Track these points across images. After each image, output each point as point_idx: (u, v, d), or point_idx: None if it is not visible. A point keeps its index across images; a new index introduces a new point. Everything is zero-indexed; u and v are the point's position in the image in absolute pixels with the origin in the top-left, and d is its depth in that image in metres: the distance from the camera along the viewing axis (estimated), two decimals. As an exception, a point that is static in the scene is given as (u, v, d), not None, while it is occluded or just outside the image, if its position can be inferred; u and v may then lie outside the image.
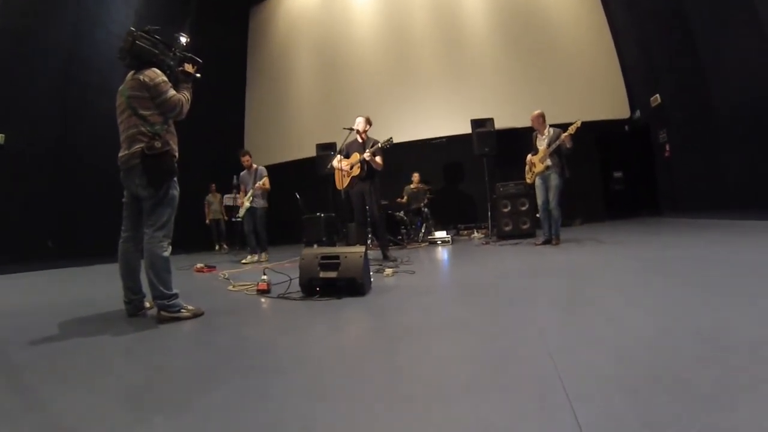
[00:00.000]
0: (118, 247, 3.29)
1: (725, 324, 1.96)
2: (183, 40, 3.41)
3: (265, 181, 7.70)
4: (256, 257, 7.79)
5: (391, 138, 6.15)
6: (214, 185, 12.49)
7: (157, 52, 3.18)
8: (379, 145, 6.06)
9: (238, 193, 8.34)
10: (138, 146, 3.07)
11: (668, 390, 1.33)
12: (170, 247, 3.18)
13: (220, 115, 13.97)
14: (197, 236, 12.04)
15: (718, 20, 7.65)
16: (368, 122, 6.35)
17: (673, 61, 9.52)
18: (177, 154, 3.26)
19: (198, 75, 3.44)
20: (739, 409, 1.17)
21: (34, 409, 1.63)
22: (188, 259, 8.61)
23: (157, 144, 3.08)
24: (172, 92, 3.17)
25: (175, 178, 3.23)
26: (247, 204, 7.79)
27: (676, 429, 1.09)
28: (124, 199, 3.32)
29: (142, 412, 1.53)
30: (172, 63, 3.28)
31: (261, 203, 7.82)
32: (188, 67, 3.36)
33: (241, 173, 8.11)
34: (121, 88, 3.23)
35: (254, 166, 8.01)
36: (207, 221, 12.73)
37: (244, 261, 7.73)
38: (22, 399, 1.74)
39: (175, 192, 3.25)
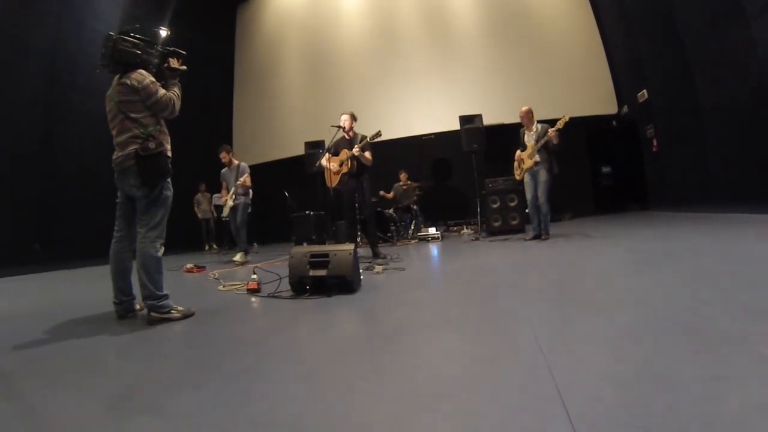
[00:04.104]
0: (111, 247, 3.26)
1: (713, 316, 1.98)
2: (163, 33, 3.38)
3: (246, 179, 7.52)
4: (245, 255, 7.64)
5: (379, 131, 6.11)
6: (203, 185, 12.42)
7: (139, 52, 3.13)
8: (368, 138, 6.03)
9: (219, 193, 8.02)
10: (132, 148, 3.05)
11: (658, 382, 1.34)
12: (163, 247, 3.17)
13: (209, 115, 13.86)
14: (187, 236, 11.96)
15: (705, 16, 7.70)
16: (353, 118, 6.31)
17: (660, 57, 9.58)
18: (170, 154, 3.24)
19: (184, 68, 3.40)
20: (728, 399, 1.18)
21: (22, 413, 1.61)
22: (178, 259, 8.55)
23: (151, 145, 3.06)
24: (161, 92, 3.14)
25: (169, 179, 3.22)
26: (230, 203, 7.61)
27: (666, 420, 1.10)
28: (117, 200, 3.29)
29: (131, 413, 1.51)
30: (156, 61, 3.25)
31: (242, 200, 7.61)
32: (173, 62, 3.32)
33: (222, 171, 7.88)
34: (109, 92, 3.19)
35: (235, 162, 7.79)
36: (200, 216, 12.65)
37: (234, 259, 7.54)
38: (11, 403, 1.72)
39: (169, 193, 3.23)
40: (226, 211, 7.76)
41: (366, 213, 6.26)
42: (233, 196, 7.58)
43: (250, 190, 7.73)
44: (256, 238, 11.55)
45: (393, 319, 2.69)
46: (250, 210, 7.75)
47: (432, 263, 5.79)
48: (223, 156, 7.71)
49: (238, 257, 7.46)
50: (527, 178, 6.63)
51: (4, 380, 2.01)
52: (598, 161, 12.21)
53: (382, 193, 10.46)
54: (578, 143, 11.59)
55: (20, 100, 9.19)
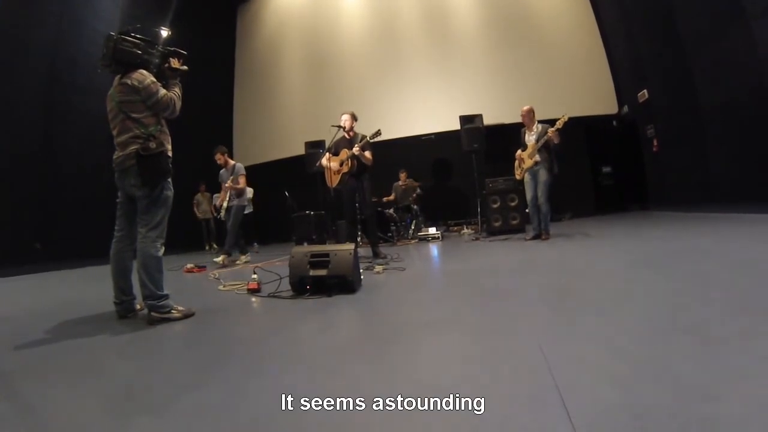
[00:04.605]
0: (111, 246, 3.26)
1: (714, 316, 1.99)
2: (164, 33, 3.38)
3: (238, 180, 7.34)
4: (246, 257, 7.55)
5: (379, 130, 6.11)
6: (203, 185, 12.41)
7: (140, 52, 3.14)
8: (368, 137, 6.03)
9: (219, 193, 7.84)
10: (133, 148, 3.06)
11: (657, 381, 1.34)
12: (163, 247, 3.17)
13: (209, 115, 13.82)
14: (187, 236, 11.95)
15: (705, 16, 7.69)
16: (354, 118, 6.30)
17: (660, 57, 9.57)
18: (171, 154, 3.24)
19: (185, 68, 3.41)
20: (727, 399, 1.19)
21: (22, 412, 1.62)
22: (178, 259, 8.55)
23: (152, 145, 3.07)
24: (162, 92, 3.15)
25: (170, 179, 3.22)
26: (225, 204, 7.54)
27: (666, 420, 1.10)
28: (118, 199, 3.30)
29: (131, 413, 1.52)
30: (157, 61, 3.25)
31: (236, 203, 7.45)
32: (174, 62, 3.33)
33: (221, 171, 7.70)
34: (110, 92, 3.19)
35: (231, 162, 7.60)
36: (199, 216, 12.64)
37: (215, 259, 7.40)
38: (11, 403, 1.72)
39: (169, 193, 3.24)
40: (223, 213, 7.63)
41: (366, 213, 6.26)
42: (228, 198, 7.46)
43: (247, 192, 7.66)
44: (256, 238, 11.56)
45: (393, 319, 2.70)
46: (249, 211, 7.66)
47: (432, 263, 5.79)
48: (218, 157, 7.54)
49: (219, 258, 7.27)
50: (527, 178, 6.63)
51: (5, 380, 2.01)
52: (598, 161, 12.20)
53: (385, 199, 10.45)
54: (578, 143, 11.57)
55: (20, 100, 9.18)
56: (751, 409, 1.11)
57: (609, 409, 1.20)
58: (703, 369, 1.40)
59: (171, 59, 3.32)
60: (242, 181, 7.41)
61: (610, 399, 1.26)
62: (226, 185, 7.40)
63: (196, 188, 12.49)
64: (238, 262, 7.40)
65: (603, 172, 12.27)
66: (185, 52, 3.40)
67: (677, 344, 1.68)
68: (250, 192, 11.15)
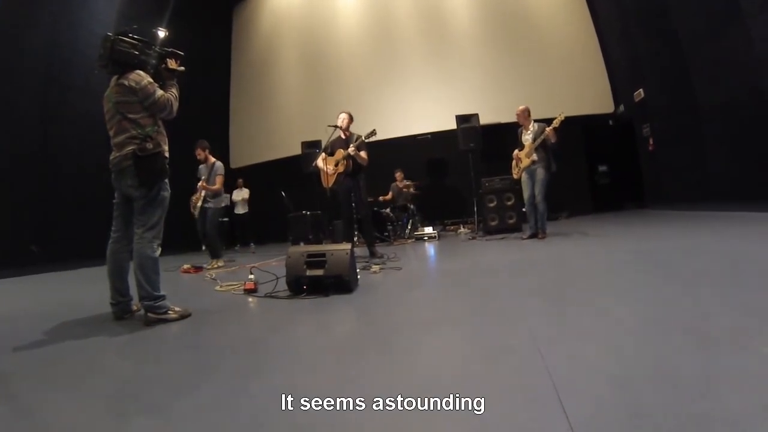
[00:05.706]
0: (108, 247, 3.25)
1: (713, 314, 1.99)
2: (161, 34, 3.37)
3: (215, 180, 6.99)
4: (217, 262, 7.02)
5: (374, 130, 6.12)
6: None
7: (137, 53, 3.13)
8: (363, 137, 6.04)
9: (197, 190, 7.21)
10: (130, 148, 3.05)
11: (655, 381, 1.34)
12: (160, 248, 3.16)
13: (206, 115, 13.77)
14: (184, 237, 11.91)
15: (702, 15, 7.71)
16: (351, 118, 6.32)
17: (656, 56, 9.59)
18: (168, 155, 3.24)
19: (182, 68, 3.40)
20: (723, 397, 1.19)
21: (21, 414, 1.61)
22: (175, 260, 8.53)
23: (149, 146, 3.06)
24: (159, 92, 3.14)
25: (167, 180, 3.21)
26: (198, 204, 7.05)
27: (663, 419, 1.11)
28: (114, 200, 3.28)
29: (129, 414, 1.51)
30: (154, 62, 3.25)
31: (211, 205, 7.05)
32: (171, 63, 3.33)
33: (200, 166, 7.24)
34: (107, 93, 3.18)
35: (211, 159, 7.16)
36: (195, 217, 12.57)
37: (206, 267, 6.73)
38: (10, 405, 1.72)
39: (166, 193, 3.23)
40: (196, 212, 7.13)
41: (362, 212, 6.26)
42: (201, 198, 7.04)
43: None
44: (252, 238, 11.55)
45: (390, 319, 2.70)
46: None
47: (429, 262, 5.79)
48: (199, 153, 7.12)
49: (211, 264, 6.84)
50: (525, 177, 6.64)
51: (3, 382, 2.01)
52: (594, 160, 12.26)
53: (382, 198, 10.47)
54: (575, 142, 11.60)
55: (19, 100, 9.16)
56: (750, 409, 1.12)
57: (606, 408, 1.20)
58: (701, 368, 1.41)
59: (168, 60, 3.32)
60: (219, 181, 7.08)
61: (608, 398, 1.26)
62: (200, 184, 7.06)
63: (192, 189, 12.44)
64: (207, 266, 6.78)
65: (599, 171, 12.32)
66: (182, 53, 3.40)
67: (675, 343, 1.68)
68: (245, 193, 11.14)
